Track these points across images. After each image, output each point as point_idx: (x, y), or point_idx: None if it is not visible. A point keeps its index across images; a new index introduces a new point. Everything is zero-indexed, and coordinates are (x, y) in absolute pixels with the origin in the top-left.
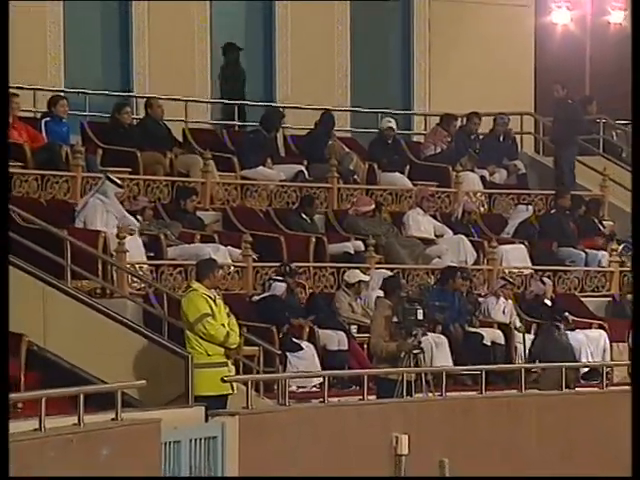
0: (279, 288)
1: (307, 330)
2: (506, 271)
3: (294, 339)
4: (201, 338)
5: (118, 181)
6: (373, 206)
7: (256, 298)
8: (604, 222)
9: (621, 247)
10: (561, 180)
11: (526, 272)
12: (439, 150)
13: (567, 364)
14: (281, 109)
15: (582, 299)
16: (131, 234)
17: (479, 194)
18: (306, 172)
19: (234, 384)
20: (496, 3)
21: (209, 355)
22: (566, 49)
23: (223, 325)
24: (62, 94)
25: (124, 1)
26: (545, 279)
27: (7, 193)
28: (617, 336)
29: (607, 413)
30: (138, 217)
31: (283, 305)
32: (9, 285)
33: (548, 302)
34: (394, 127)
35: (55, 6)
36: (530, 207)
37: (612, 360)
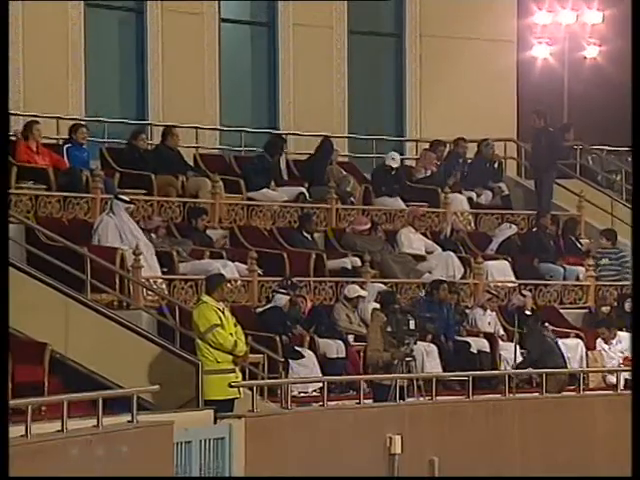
0: (282, 300)
1: (308, 339)
2: (491, 285)
3: (296, 347)
4: (211, 347)
5: (126, 198)
6: (369, 225)
7: (261, 310)
8: (581, 240)
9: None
10: (541, 201)
11: (509, 285)
12: (429, 173)
13: (547, 370)
14: (283, 136)
15: (561, 310)
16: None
17: (466, 214)
18: (307, 194)
19: (240, 389)
20: (481, 39)
21: (218, 362)
22: (545, 81)
23: (231, 334)
24: (82, 122)
25: (140, 36)
26: (525, 292)
27: (7, 193)
28: (593, 345)
29: (584, 415)
30: (152, 235)
31: (285, 316)
32: (33, 298)
33: (529, 313)
34: (398, 163)
35: (77, 41)
36: (513, 226)
37: (587, 367)
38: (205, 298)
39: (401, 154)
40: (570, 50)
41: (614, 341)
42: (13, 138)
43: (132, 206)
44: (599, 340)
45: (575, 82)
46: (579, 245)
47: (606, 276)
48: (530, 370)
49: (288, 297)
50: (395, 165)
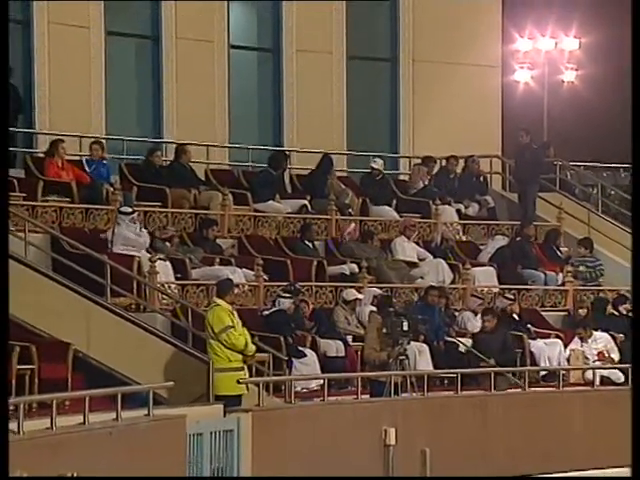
0: (286, 304)
1: (310, 339)
2: (478, 289)
3: (298, 347)
4: (224, 346)
5: (129, 210)
6: (353, 225)
7: (267, 312)
8: (561, 248)
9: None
10: (524, 213)
11: (494, 290)
12: (421, 187)
13: (530, 367)
14: (287, 152)
15: (542, 313)
16: (161, 258)
17: (455, 224)
18: (309, 206)
19: (248, 385)
20: (468, 64)
21: (230, 361)
22: (527, 102)
23: (240, 335)
24: (103, 140)
25: (156, 62)
26: (508, 295)
27: (7, 194)
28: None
29: (563, 409)
30: (167, 243)
31: (289, 318)
32: (57, 302)
33: (513, 315)
34: (381, 167)
35: (98, 66)
36: (506, 237)
37: (568, 364)
38: (218, 301)
39: (395, 169)
40: (549, 74)
41: (590, 340)
42: (41, 155)
43: (134, 215)
44: (576, 339)
45: (554, 103)
46: (559, 253)
47: (584, 281)
48: (514, 368)
49: (292, 301)
50: (376, 167)
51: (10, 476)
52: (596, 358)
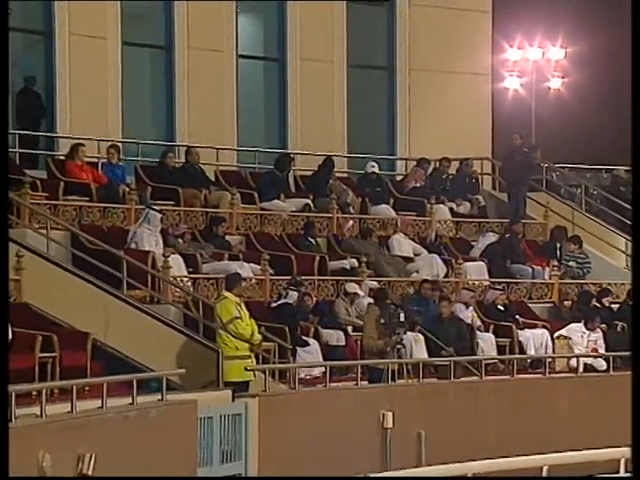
0: (293, 297)
1: (312, 330)
2: (469, 282)
3: (302, 337)
4: (232, 336)
5: (157, 209)
6: (352, 223)
7: (275, 305)
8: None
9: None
10: (517, 211)
11: (485, 283)
12: (417, 186)
13: (518, 356)
14: (291, 155)
15: (529, 305)
16: (173, 253)
17: (448, 222)
18: (312, 205)
19: (255, 372)
20: (461, 72)
21: (237, 349)
22: (516, 108)
23: (247, 325)
24: (119, 144)
25: (169, 70)
26: (497, 287)
27: (7, 194)
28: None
29: (549, 395)
30: (179, 240)
31: (294, 310)
32: (77, 294)
33: (501, 307)
34: (376, 170)
35: (115, 74)
36: (496, 234)
37: (554, 353)
38: (226, 294)
39: (392, 170)
40: (537, 82)
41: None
42: (62, 158)
43: (160, 215)
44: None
45: (541, 109)
46: (558, 251)
47: (574, 275)
48: (502, 356)
49: (298, 294)
50: (370, 170)
51: (10, 476)
52: (588, 348)
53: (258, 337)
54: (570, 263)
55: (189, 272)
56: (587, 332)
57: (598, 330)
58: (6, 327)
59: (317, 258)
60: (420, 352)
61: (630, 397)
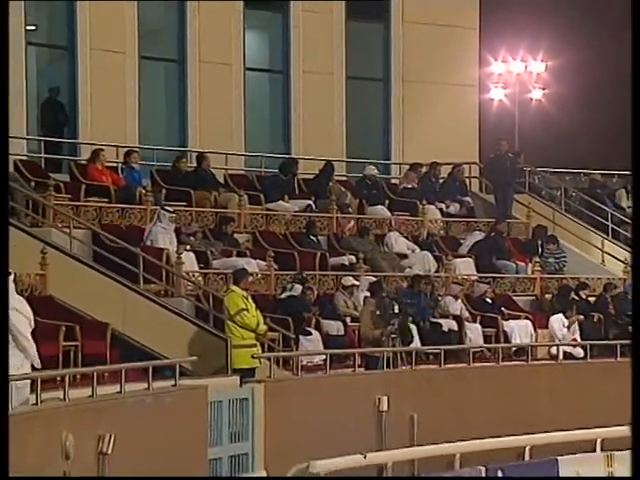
0: (298, 290)
1: (314, 320)
2: (458, 277)
3: (305, 327)
4: (239, 326)
5: (171, 209)
6: (352, 223)
7: (281, 297)
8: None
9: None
10: (504, 211)
11: (473, 278)
12: (410, 188)
13: (503, 344)
14: (295, 159)
15: (513, 298)
16: (186, 250)
17: (439, 221)
18: (313, 205)
19: (261, 360)
20: (450, 84)
21: (244, 339)
22: (501, 117)
23: (253, 316)
24: (136, 149)
25: (182, 82)
26: (484, 282)
27: (7, 194)
28: (539, 324)
29: (531, 380)
30: (191, 238)
31: (297, 302)
32: (97, 288)
33: (487, 300)
34: (375, 173)
35: (132, 85)
36: (482, 233)
37: (536, 342)
38: (233, 287)
39: (387, 174)
40: (520, 93)
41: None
42: (84, 162)
43: (174, 215)
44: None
45: (524, 118)
46: (540, 247)
47: (552, 270)
48: (488, 345)
49: (302, 288)
50: (369, 173)
51: (10, 476)
52: (569, 336)
53: (263, 327)
54: (549, 260)
55: (200, 267)
56: (566, 322)
57: (575, 320)
58: (6, 326)
59: (318, 255)
60: (413, 341)
61: (606, 382)
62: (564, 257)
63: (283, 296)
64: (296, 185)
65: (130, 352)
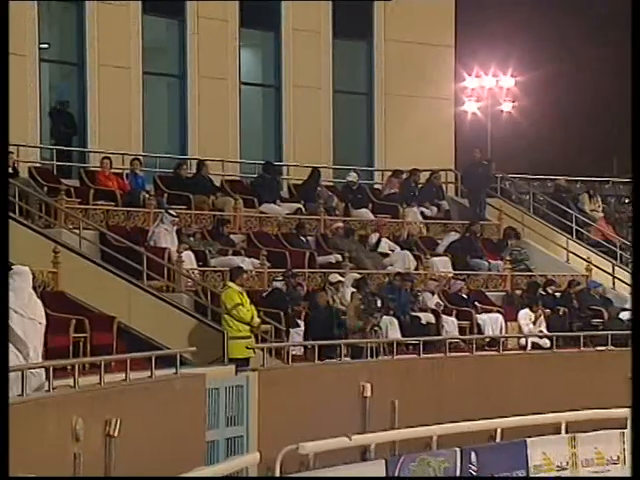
0: (280, 285)
1: (303, 314)
2: (436, 274)
3: (295, 319)
4: (235, 319)
5: (174, 213)
6: (340, 224)
7: (279, 285)
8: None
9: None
10: (478, 214)
11: (449, 275)
12: (392, 193)
13: (477, 336)
14: (284, 166)
15: (486, 293)
16: (186, 249)
17: (418, 223)
18: (303, 208)
19: (255, 350)
20: (428, 97)
21: (239, 331)
22: (474, 127)
23: (248, 311)
24: (140, 157)
25: (183, 95)
26: (459, 278)
27: (7, 194)
28: (509, 317)
29: (503, 368)
30: (191, 238)
31: (288, 297)
32: (105, 284)
33: (462, 295)
34: (354, 179)
35: (136, 99)
36: (458, 233)
37: (507, 334)
38: (230, 284)
39: (371, 179)
40: (491, 105)
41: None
42: (92, 169)
43: (177, 219)
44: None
45: (495, 128)
46: (508, 246)
47: (516, 263)
48: (463, 336)
49: (291, 283)
50: (350, 179)
51: (10, 476)
52: (535, 329)
53: (257, 320)
54: (513, 254)
55: (199, 265)
56: (532, 316)
57: (542, 314)
58: (6, 324)
59: (307, 254)
60: (394, 333)
61: (570, 370)
62: (525, 250)
63: (270, 289)
64: (287, 190)
65: (135, 343)
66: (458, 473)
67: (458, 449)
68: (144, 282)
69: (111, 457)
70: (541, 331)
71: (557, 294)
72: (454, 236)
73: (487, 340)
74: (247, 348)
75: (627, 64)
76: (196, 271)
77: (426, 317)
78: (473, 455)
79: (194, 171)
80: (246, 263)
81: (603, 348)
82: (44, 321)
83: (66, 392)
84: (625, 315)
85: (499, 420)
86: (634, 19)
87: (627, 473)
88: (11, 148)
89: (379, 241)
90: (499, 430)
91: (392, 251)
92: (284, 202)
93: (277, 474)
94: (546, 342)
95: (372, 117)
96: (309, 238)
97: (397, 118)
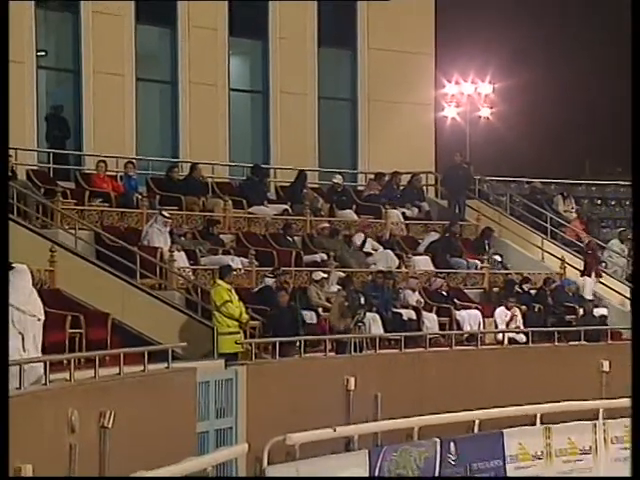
0: (272, 283)
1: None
2: (417, 273)
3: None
4: (224, 316)
5: (166, 214)
6: (326, 225)
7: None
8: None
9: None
10: (457, 215)
11: (429, 273)
12: (375, 194)
13: (456, 331)
14: (272, 169)
15: (465, 290)
16: (177, 249)
17: (400, 223)
18: (290, 209)
19: (243, 345)
20: (409, 103)
21: (229, 327)
22: (454, 132)
23: (237, 307)
24: (134, 160)
25: (175, 101)
26: (439, 276)
27: (7, 194)
28: (487, 314)
29: (480, 362)
30: (182, 238)
31: (275, 294)
32: (100, 282)
33: (442, 292)
34: (340, 182)
35: (130, 104)
36: (438, 233)
37: (484, 329)
38: (219, 282)
39: (355, 182)
40: (470, 111)
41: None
42: (87, 171)
43: (169, 220)
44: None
45: (474, 133)
46: (487, 246)
47: (498, 267)
48: (443, 332)
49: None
50: (335, 181)
51: (10, 476)
52: (511, 325)
53: (245, 317)
54: (495, 257)
55: (190, 264)
56: (508, 314)
57: (518, 310)
58: (6, 323)
59: (294, 253)
60: (377, 329)
61: (545, 364)
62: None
63: (260, 288)
64: (274, 192)
65: (128, 338)
66: (438, 463)
67: (438, 440)
68: (137, 280)
69: (105, 448)
70: (517, 327)
71: (532, 291)
72: (434, 236)
73: (466, 335)
74: (236, 343)
75: (599, 72)
76: (187, 269)
77: (407, 313)
78: (452, 445)
79: (185, 174)
80: (235, 262)
81: (576, 343)
82: (43, 317)
83: (62, 385)
84: (599, 312)
85: (477, 412)
86: (634, 19)
87: (600, 463)
88: (9, 151)
89: (365, 241)
90: (477, 421)
91: (375, 250)
92: (272, 203)
93: (265, 464)
94: (522, 337)
95: (356, 122)
96: (296, 238)
97: (380, 123)
